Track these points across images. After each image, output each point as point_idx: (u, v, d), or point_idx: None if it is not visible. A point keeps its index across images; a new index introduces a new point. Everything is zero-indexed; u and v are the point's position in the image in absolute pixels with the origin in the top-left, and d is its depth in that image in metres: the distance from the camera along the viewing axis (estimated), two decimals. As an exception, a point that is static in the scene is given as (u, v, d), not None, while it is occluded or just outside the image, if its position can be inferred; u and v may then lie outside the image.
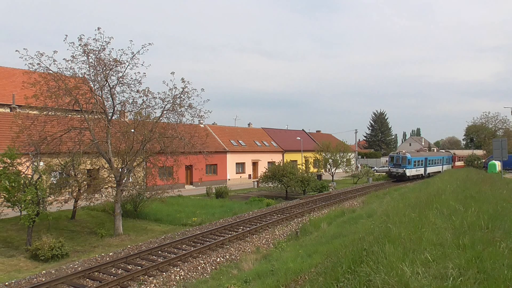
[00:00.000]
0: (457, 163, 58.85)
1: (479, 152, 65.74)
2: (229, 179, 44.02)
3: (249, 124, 56.56)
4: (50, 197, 17.84)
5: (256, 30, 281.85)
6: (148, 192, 22.51)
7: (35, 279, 12.35)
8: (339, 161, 45.91)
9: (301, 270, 9.85)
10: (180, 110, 19.40)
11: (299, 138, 53.58)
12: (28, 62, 16.80)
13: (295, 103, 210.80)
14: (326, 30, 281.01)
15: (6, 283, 11.94)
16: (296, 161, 50.65)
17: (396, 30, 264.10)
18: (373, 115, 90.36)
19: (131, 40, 25.75)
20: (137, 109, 19.22)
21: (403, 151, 49.34)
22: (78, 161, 20.09)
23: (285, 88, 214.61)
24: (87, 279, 12.57)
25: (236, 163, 45.92)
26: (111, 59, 17.84)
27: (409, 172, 45.41)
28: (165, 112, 19.35)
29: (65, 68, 17.51)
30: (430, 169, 50.60)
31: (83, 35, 17.28)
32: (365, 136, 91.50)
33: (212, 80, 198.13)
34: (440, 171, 51.81)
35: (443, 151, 63.04)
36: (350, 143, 69.30)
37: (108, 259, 14.59)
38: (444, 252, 6.61)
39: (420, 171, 48.29)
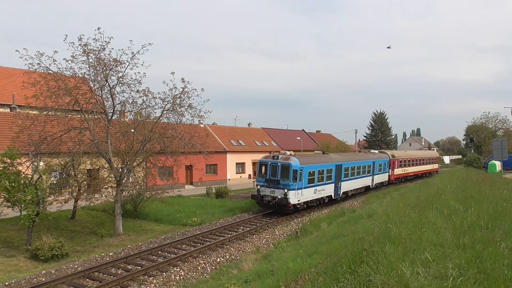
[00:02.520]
0: (397, 171, 38.46)
1: (432, 153, 51.61)
2: (229, 179, 43.99)
3: (249, 124, 56.53)
4: (50, 197, 17.83)
5: (256, 30, 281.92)
6: (148, 192, 22.51)
7: (35, 279, 12.35)
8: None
9: (301, 270, 9.83)
10: (180, 110, 19.39)
11: (299, 138, 53.57)
12: (28, 62, 16.80)
13: (295, 103, 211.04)
14: (326, 30, 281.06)
15: (6, 283, 11.94)
16: (296, 161, 50.55)
17: (396, 30, 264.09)
18: (373, 115, 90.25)
19: (131, 40, 25.75)
20: (137, 109, 19.22)
21: (288, 152, 24.47)
22: (78, 161, 20.08)
23: (285, 88, 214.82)
24: (87, 279, 12.57)
25: (236, 163, 45.90)
26: (111, 59, 17.84)
27: (296, 196, 21.97)
28: (165, 112, 19.35)
29: (65, 68, 17.52)
30: (348, 185, 28.04)
31: (83, 35, 17.29)
32: (365, 136, 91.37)
33: (212, 80, 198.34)
34: (369, 186, 32.20)
35: (376, 151, 37.86)
36: (350, 143, 69.47)
37: (108, 259, 14.59)
38: (444, 252, 6.62)
39: (326, 191, 25.21)
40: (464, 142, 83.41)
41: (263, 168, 23.11)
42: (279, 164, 22.20)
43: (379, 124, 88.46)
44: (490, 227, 8.26)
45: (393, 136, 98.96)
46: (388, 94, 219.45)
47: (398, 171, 38.72)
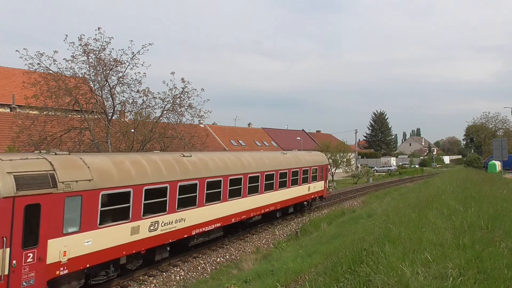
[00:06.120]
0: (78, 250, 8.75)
1: (309, 158, 22.11)
2: (229, 179, 43.92)
3: (249, 124, 56.54)
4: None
5: (256, 30, 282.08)
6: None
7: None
8: (339, 161, 45.86)
9: (301, 270, 9.83)
10: (180, 110, 19.45)
11: (299, 138, 53.56)
12: (28, 62, 16.83)
13: (295, 103, 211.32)
14: (326, 30, 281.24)
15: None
16: (296, 161, 50.35)
17: (397, 30, 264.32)
18: (373, 115, 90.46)
19: (131, 40, 25.79)
20: (137, 109, 19.25)
21: None
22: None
23: (285, 88, 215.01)
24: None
25: (236, 163, 45.82)
26: (111, 59, 17.86)
27: None
28: (165, 112, 19.39)
29: (65, 68, 17.55)
30: None
31: (83, 35, 17.32)
32: (365, 136, 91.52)
33: (212, 80, 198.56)
34: None
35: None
36: (350, 143, 69.36)
37: (108, 259, 14.51)
38: (444, 252, 6.62)
39: None
40: (464, 142, 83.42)
41: None
42: None
43: (379, 124, 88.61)
44: (490, 227, 8.26)
45: (393, 136, 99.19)
46: (388, 94, 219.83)
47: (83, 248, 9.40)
